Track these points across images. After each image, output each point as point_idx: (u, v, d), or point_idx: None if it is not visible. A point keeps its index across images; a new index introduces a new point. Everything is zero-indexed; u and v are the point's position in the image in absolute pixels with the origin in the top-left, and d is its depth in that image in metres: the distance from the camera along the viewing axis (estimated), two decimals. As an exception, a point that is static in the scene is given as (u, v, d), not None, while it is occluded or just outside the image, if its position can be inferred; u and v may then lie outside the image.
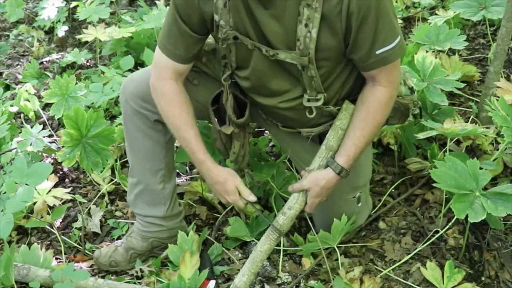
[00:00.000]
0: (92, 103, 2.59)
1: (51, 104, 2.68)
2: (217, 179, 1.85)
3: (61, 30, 3.80)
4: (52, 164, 2.41)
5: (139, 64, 3.13)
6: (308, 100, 1.78)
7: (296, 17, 1.60)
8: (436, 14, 2.99)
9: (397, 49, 1.66)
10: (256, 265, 1.84)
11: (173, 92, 1.82)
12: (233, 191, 1.84)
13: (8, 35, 4.15)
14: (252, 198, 1.86)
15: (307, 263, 2.04)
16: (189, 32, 1.72)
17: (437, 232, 2.03)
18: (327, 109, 1.82)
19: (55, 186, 2.50)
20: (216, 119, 1.89)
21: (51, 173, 2.03)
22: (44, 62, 3.68)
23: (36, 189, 2.29)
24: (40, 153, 2.59)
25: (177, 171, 2.46)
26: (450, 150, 2.17)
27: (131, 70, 2.90)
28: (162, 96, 1.83)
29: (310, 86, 1.74)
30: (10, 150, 2.53)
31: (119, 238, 2.27)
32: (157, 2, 3.53)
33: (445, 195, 2.09)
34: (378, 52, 1.64)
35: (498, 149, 2.28)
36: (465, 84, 2.72)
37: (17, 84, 3.40)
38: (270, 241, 1.84)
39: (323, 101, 1.77)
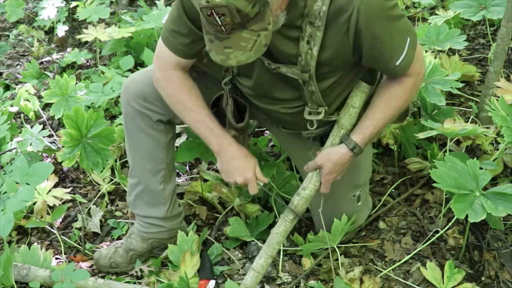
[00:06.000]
0: (92, 103, 2.59)
1: (51, 104, 2.68)
2: (238, 154, 1.82)
3: (61, 30, 3.79)
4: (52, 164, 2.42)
5: (139, 64, 3.13)
6: (309, 113, 1.79)
7: (298, 33, 1.60)
8: (436, 14, 2.98)
9: (410, 48, 1.66)
10: (272, 248, 1.84)
11: (180, 79, 1.83)
12: (252, 168, 1.82)
13: (8, 35, 4.15)
14: (265, 179, 1.87)
15: (307, 263, 2.05)
16: (194, 29, 1.70)
17: (437, 232, 2.03)
18: (328, 119, 1.83)
19: (55, 186, 2.50)
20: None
21: (51, 173, 2.02)
22: (44, 62, 3.68)
23: (36, 189, 2.29)
24: (40, 153, 2.59)
25: (177, 171, 2.46)
26: (450, 150, 2.17)
27: (131, 70, 2.91)
28: (169, 84, 1.83)
29: (311, 100, 1.75)
30: (10, 150, 2.53)
31: (119, 238, 2.27)
32: (157, 2, 3.53)
33: (445, 195, 2.09)
34: (397, 63, 1.66)
35: (498, 149, 2.28)
36: (465, 84, 2.72)
37: (17, 84, 3.40)
38: (286, 223, 1.84)
39: (324, 115, 1.78)
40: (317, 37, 1.58)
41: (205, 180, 2.40)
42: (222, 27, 1.40)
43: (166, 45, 1.78)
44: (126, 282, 1.99)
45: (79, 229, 2.31)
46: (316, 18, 1.56)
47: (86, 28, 3.40)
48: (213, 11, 1.36)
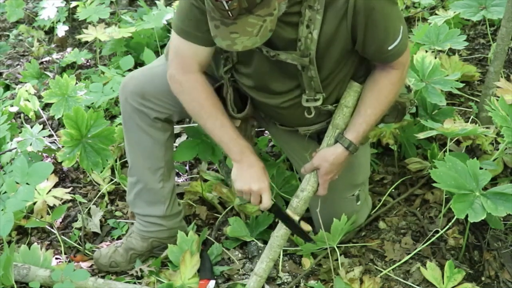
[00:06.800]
0: (92, 103, 2.59)
1: (51, 104, 2.68)
2: (257, 163, 1.81)
3: (61, 30, 3.79)
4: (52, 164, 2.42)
5: (139, 64, 3.13)
6: (307, 101, 1.78)
7: (298, 18, 1.61)
8: (436, 14, 2.98)
9: (404, 37, 1.68)
10: (274, 251, 1.85)
11: (204, 83, 1.80)
12: (268, 179, 1.82)
13: (8, 35, 4.15)
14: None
15: (307, 263, 2.04)
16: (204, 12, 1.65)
17: (437, 232, 2.03)
18: (325, 108, 1.82)
19: (55, 186, 2.50)
20: None
21: (51, 173, 2.02)
22: (44, 62, 3.68)
23: (36, 189, 2.29)
24: (40, 153, 2.59)
25: (177, 171, 2.46)
26: (450, 150, 2.17)
27: (131, 70, 2.91)
28: (193, 89, 1.78)
29: (309, 86, 1.75)
30: (10, 150, 2.53)
31: (119, 238, 2.27)
32: (157, 2, 3.53)
33: (445, 195, 2.09)
34: (390, 48, 1.67)
35: (498, 149, 2.28)
36: (465, 84, 2.72)
37: (17, 84, 3.40)
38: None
39: (321, 102, 1.78)
40: (316, 21, 1.59)
41: (205, 180, 2.40)
42: (229, 12, 1.41)
43: (183, 38, 1.73)
44: (126, 282, 1.99)
45: (79, 229, 2.31)
46: (315, 2, 1.56)
47: (86, 28, 3.40)
48: None
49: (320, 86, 1.74)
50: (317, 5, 1.57)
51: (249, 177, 1.79)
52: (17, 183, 1.85)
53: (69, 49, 3.80)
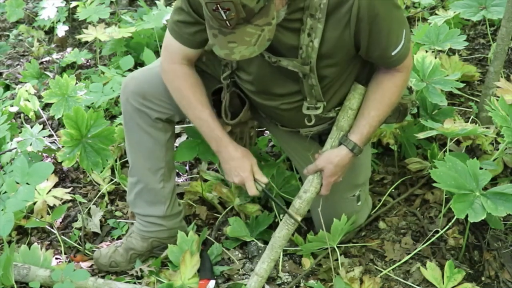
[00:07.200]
0: (92, 103, 2.59)
1: (51, 104, 2.68)
2: (235, 154, 1.84)
3: (61, 30, 3.79)
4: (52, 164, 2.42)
5: (139, 64, 3.13)
6: (308, 108, 1.79)
7: (299, 25, 1.61)
8: (436, 14, 2.99)
9: (407, 40, 1.68)
10: (275, 251, 1.85)
11: (185, 74, 1.84)
12: (248, 168, 1.84)
13: (8, 35, 4.15)
14: (265, 179, 1.86)
15: (307, 263, 2.04)
16: (198, 18, 1.70)
17: (437, 232, 2.03)
18: (326, 115, 1.83)
19: (55, 186, 2.50)
20: (214, 109, 1.90)
21: (51, 173, 2.02)
22: (44, 62, 3.68)
23: (36, 189, 2.28)
24: (40, 153, 2.59)
25: (177, 171, 2.46)
26: (450, 150, 2.17)
27: (131, 70, 2.90)
28: (175, 78, 1.84)
29: (310, 94, 1.75)
30: (10, 150, 2.53)
31: (119, 238, 2.27)
32: (157, 2, 3.53)
33: (445, 195, 2.09)
34: (393, 53, 1.67)
35: (498, 149, 2.28)
36: (465, 84, 2.72)
37: (17, 84, 3.40)
38: (288, 226, 1.85)
39: (322, 110, 1.78)
40: (317, 29, 1.59)
41: (205, 180, 2.40)
42: (227, 22, 1.41)
43: (172, 36, 1.79)
44: (126, 282, 1.99)
45: (79, 229, 2.31)
46: (317, 10, 1.56)
47: (86, 28, 3.40)
48: (218, 5, 1.37)
49: (321, 94, 1.75)
50: (319, 14, 1.57)
51: (229, 170, 1.86)
52: (17, 183, 1.85)
53: (69, 49, 3.80)
